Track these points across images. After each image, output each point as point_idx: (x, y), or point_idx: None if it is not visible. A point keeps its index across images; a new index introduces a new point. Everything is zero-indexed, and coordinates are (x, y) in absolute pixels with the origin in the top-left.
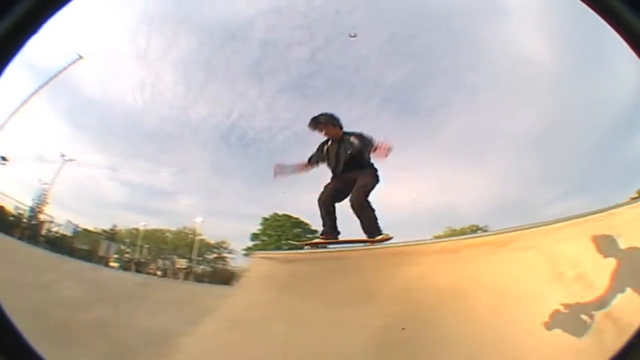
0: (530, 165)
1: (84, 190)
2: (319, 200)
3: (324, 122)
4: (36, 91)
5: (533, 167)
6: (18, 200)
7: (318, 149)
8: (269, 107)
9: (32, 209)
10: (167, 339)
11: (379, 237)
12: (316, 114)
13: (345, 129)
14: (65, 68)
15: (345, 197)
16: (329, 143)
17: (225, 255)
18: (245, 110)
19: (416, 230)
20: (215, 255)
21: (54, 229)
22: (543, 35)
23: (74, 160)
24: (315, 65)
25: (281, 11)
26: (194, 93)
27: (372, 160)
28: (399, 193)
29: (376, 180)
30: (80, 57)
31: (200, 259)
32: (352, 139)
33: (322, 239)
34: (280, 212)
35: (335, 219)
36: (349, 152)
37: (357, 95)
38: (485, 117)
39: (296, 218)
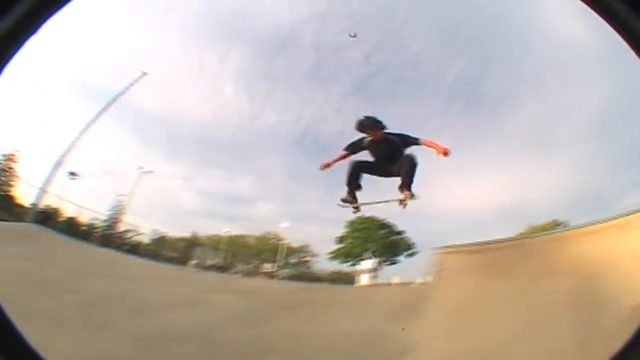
0: (600, 153)
1: (162, 200)
2: (355, 162)
3: (368, 125)
4: (104, 109)
5: (604, 155)
6: (97, 211)
7: (357, 141)
8: (337, 111)
9: (110, 219)
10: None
11: (408, 193)
12: (361, 117)
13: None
14: (131, 85)
15: (375, 174)
16: (370, 139)
17: (309, 258)
18: (314, 116)
19: (498, 228)
20: (302, 258)
21: (136, 237)
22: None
23: (151, 171)
24: (372, 66)
25: (324, 15)
26: (259, 102)
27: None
28: (476, 192)
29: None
30: (144, 74)
31: (286, 262)
32: (393, 138)
33: (348, 197)
34: (366, 215)
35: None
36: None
37: (420, 92)
38: (550, 106)
39: (381, 220)
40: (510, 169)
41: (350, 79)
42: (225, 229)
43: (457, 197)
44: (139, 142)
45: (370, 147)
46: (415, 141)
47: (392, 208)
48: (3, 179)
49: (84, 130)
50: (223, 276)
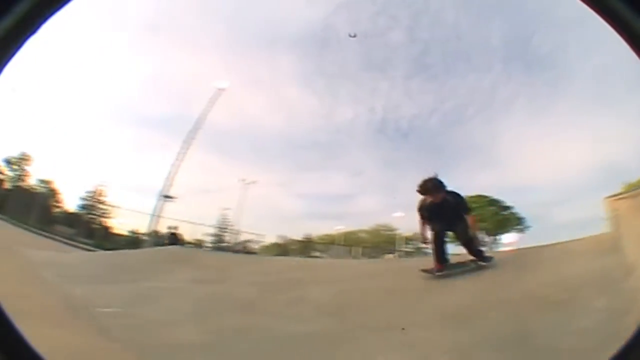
0: None
1: (267, 208)
2: (438, 231)
3: (431, 188)
4: (192, 133)
5: None
6: (208, 225)
7: (424, 206)
8: (405, 94)
9: (226, 229)
10: None
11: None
12: (425, 179)
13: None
14: (211, 104)
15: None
16: (430, 201)
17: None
18: (385, 103)
19: (592, 191)
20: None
21: (261, 243)
22: None
23: (254, 182)
24: (418, 44)
25: (346, 5)
26: (327, 100)
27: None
28: (566, 156)
29: (469, 234)
30: (222, 89)
31: (404, 250)
32: (451, 200)
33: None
34: (472, 194)
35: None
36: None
37: (475, 63)
38: (606, 51)
39: (489, 197)
40: (592, 125)
41: (402, 61)
42: (337, 227)
43: (549, 165)
44: (226, 158)
45: (430, 209)
46: (465, 211)
47: (481, 181)
48: (97, 211)
49: (181, 154)
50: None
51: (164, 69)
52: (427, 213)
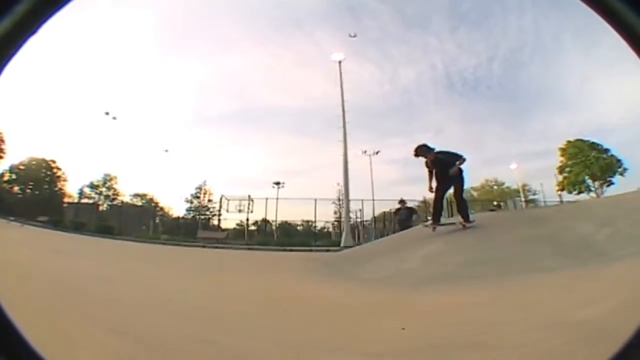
0: None
1: (364, 178)
2: (438, 195)
3: (421, 151)
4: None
5: None
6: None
7: (426, 164)
8: (458, 46)
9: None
10: None
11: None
12: (415, 147)
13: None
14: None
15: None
16: (428, 163)
17: (533, 197)
18: (443, 59)
19: None
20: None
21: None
22: None
23: (378, 151)
24: None
25: None
26: (385, 66)
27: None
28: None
29: (463, 186)
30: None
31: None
32: (442, 157)
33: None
34: (571, 139)
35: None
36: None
37: (509, 3)
38: None
39: (588, 141)
40: None
41: (438, 13)
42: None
43: (617, 100)
44: (306, 139)
45: (431, 166)
46: (455, 160)
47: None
48: (208, 211)
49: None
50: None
51: (223, 67)
52: (431, 166)
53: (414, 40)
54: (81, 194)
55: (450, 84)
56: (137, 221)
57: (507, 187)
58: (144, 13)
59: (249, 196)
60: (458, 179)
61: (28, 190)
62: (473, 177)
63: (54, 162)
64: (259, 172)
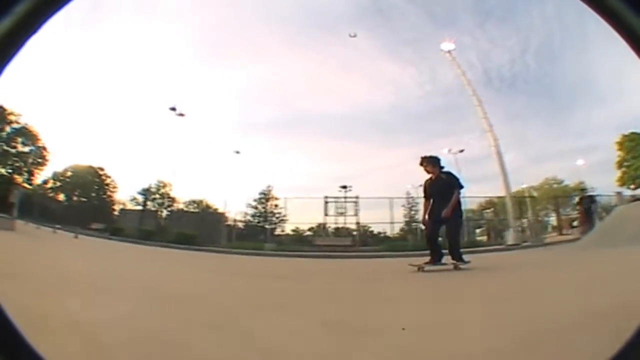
0: None
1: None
2: (426, 234)
3: (427, 162)
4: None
5: None
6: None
7: (424, 185)
8: (490, 41)
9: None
10: None
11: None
12: (424, 155)
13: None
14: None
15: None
16: (429, 179)
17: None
18: (478, 55)
19: None
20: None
21: None
22: None
23: (462, 150)
24: None
25: None
26: (421, 66)
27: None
28: None
29: (459, 224)
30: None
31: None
32: (445, 178)
33: (430, 261)
34: (626, 132)
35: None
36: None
37: None
38: None
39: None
40: None
41: (464, 11)
42: (523, 185)
43: None
44: (354, 143)
45: (429, 187)
46: (453, 188)
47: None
48: (273, 216)
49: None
50: None
51: (262, 75)
52: (428, 189)
53: (446, 38)
54: (133, 201)
55: (488, 81)
56: (210, 228)
57: (566, 185)
58: (176, 26)
59: (357, 197)
60: (456, 214)
61: (74, 198)
62: (523, 176)
63: (102, 169)
64: (311, 177)
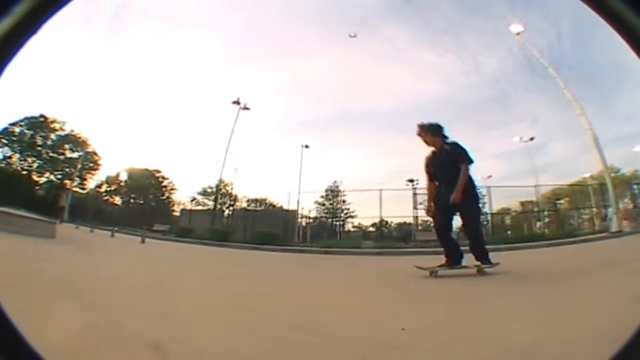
0: None
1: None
2: (435, 226)
3: (426, 130)
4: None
5: None
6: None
7: (427, 161)
8: (525, 27)
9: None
10: None
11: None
12: (421, 123)
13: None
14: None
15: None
16: (431, 154)
17: None
18: (517, 42)
19: None
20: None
21: None
22: None
23: (532, 138)
24: None
25: None
26: (461, 54)
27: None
28: None
29: (477, 210)
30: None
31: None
32: (449, 149)
33: (445, 264)
34: None
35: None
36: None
37: None
38: None
39: None
40: None
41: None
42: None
43: None
44: (409, 137)
45: (430, 164)
46: (460, 162)
47: None
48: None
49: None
50: None
51: (304, 73)
52: (430, 167)
53: (482, 26)
54: (194, 201)
55: (532, 68)
56: (280, 226)
57: (622, 174)
58: (210, 29)
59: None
60: (470, 196)
61: (131, 201)
62: (576, 167)
63: (158, 171)
64: (369, 172)
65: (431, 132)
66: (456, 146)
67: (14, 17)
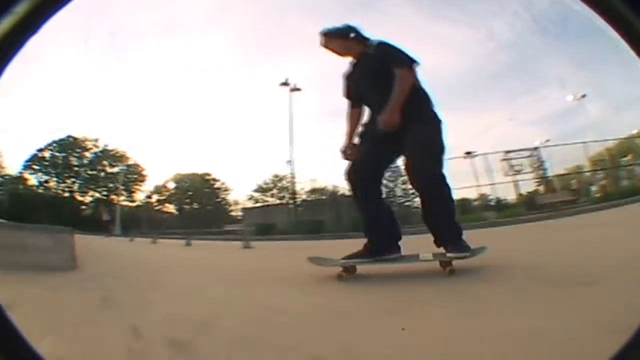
0: None
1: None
2: (348, 176)
3: (333, 35)
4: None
5: None
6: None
7: (346, 78)
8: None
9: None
10: None
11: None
12: (322, 30)
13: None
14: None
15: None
16: (351, 68)
17: None
18: (521, 2)
19: None
20: None
21: None
22: None
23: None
24: None
25: None
26: (477, 22)
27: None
28: None
29: (434, 144)
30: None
31: None
32: (373, 52)
33: (364, 252)
34: None
35: (383, 212)
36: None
37: None
38: None
39: None
40: None
41: None
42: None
43: None
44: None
45: (350, 79)
46: (395, 65)
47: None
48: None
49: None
50: None
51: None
52: (352, 85)
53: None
54: (251, 199)
55: (544, 30)
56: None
57: None
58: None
59: (536, 148)
60: (421, 119)
61: (185, 206)
62: (609, 127)
63: (208, 174)
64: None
65: (340, 35)
66: (385, 46)
67: (14, 17)
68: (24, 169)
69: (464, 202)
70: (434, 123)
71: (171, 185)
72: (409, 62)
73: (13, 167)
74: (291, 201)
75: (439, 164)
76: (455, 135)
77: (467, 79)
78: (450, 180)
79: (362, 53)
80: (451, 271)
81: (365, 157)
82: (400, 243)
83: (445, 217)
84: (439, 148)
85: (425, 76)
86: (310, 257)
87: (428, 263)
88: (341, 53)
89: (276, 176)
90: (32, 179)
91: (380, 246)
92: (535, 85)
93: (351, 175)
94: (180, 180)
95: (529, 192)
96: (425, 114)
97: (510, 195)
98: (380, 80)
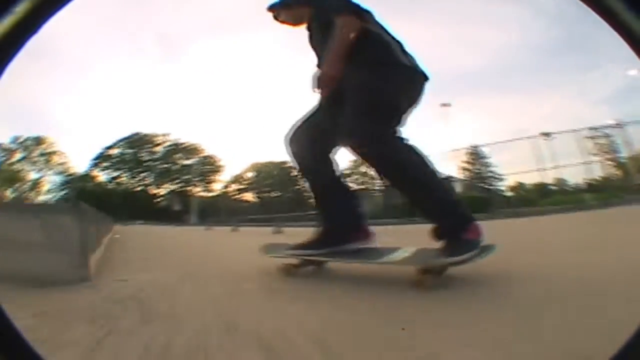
0: None
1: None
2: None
3: (276, 12)
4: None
5: None
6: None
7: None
8: None
9: None
10: None
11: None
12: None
13: None
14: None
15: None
16: (310, 33)
17: None
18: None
19: None
20: None
21: None
22: None
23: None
24: None
25: None
26: (492, 8)
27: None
28: None
29: (380, 75)
30: None
31: None
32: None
33: (316, 240)
34: None
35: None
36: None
37: None
38: None
39: None
40: None
41: None
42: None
43: None
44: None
45: (313, 48)
46: (331, 13)
47: None
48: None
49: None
50: None
51: None
52: (316, 54)
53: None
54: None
55: (564, 9)
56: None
57: None
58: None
59: (618, 124)
60: (369, 70)
61: (265, 194)
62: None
63: (283, 163)
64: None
65: (282, 5)
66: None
67: (14, 16)
68: (91, 167)
69: (559, 181)
70: (381, 69)
71: (249, 174)
72: (345, 9)
73: (80, 167)
74: (374, 186)
75: (379, 119)
76: (527, 117)
77: (525, 56)
78: (415, 145)
79: (312, 17)
80: (435, 276)
81: (308, 125)
82: (371, 230)
83: (426, 197)
84: (381, 99)
85: (483, 59)
86: (265, 245)
87: (401, 259)
88: (294, 23)
89: (355, 161)
90: (102, 176)
91: (335, 233)
92: (599, 61)
93: (292, 145)
94: (258, 169)
95: (617, 173)
96: (371, 59)
97: (595, 176)
98: (325, 37)
